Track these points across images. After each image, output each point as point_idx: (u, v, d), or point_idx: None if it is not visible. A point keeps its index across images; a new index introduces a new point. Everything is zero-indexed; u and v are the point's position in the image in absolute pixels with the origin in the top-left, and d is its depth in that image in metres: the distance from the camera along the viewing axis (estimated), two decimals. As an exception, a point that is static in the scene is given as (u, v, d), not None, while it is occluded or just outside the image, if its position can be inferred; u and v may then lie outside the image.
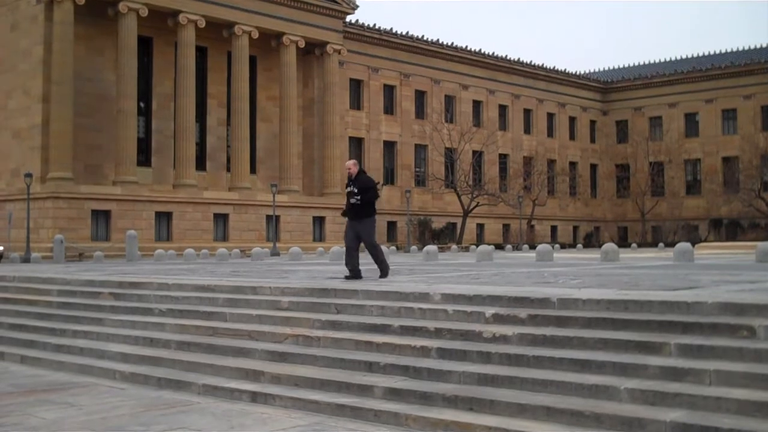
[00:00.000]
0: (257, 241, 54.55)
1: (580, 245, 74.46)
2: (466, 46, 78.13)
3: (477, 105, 79.88)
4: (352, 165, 15.23)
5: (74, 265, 32.82)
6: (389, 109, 72.29)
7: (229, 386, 10.11)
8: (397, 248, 61.69)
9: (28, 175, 45.32)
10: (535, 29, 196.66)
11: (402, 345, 10.07)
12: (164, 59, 56.61)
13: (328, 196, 61.85)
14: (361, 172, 15.24)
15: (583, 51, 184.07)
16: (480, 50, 79.56)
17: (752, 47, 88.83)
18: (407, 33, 73.02)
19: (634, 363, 8.25)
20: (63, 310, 15.69)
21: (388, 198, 70.07)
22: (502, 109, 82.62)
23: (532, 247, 56.17)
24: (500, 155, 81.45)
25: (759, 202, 76.96)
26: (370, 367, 9.75)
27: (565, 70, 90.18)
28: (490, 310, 10.32)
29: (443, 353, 9.63)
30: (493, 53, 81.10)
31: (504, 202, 75.41)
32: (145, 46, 55.21)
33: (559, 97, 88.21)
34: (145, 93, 55.60)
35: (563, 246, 71.51)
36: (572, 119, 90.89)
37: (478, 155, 76.62)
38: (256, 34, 57.77)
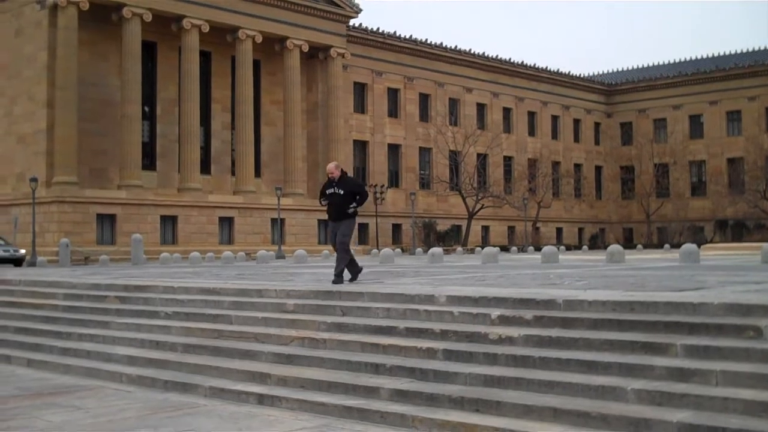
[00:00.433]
0: (262, 244, 54.58)
1: (585, 247, 74.42)
2: (470, 49, 78.18)
3: (481, 108, 79.87)
4: (334, 168, 14.85)
5: (80, 268, 32.88)
6: (393, 112, 72.33)
7: (236, 388, 10.12)
8: (403, 251, 61.67)
9: (34, 180, 45.42)
10: (538, 32, 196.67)
11: (408, 347, 10.07)
12: (168, 64, 56.69)
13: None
14: (345, 174, 14.94)
15: (586, 53, 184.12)
16: (484, 53, 79.61)
17: (756, 49, 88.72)
18: (411, 36, 73.05)
19: (641, 364, 8.24)
20: (69, 313, 15.72)
21: (393, 201, 70.13)
22: (507, 111, 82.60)
23: (538, 249, 56.12)
24: (505, 158, 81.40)
25: (764, 203, 76.85)
26: (376, 368, 9.75)
27: (569, 72, 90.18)
28: (495, 312, 10.32)
29: (449, 355, 9.63)
30: (497, 56, 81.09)
31: (509, 204, 75.38)
32: (149, 51, 55.29)
33: (563, 99, 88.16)
34: (149, 97, 55.70)
35: (568, 248, 71.40)
36: (576, 121, 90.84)
37: (482, 158, 76.63)
38: (259, 39, 57.83)
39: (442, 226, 72.87)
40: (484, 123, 79.44)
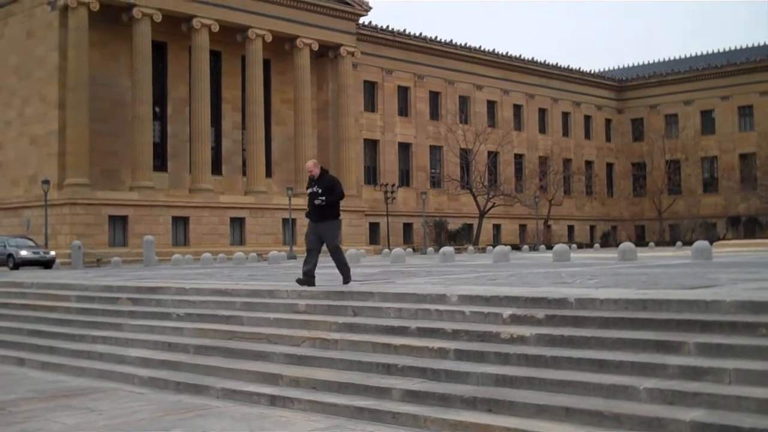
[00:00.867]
0: (274, 244, 54.67)
1: (597, 245, 74.30)
2: (480, 47, 78.12)
3: (492, 105, 79.80)
4: (312, 166, 14.27)
5: (92, 270, 33.00)
6: (404, 110, 72.32)
7: (248, 390, 10.12)
8: (414, 250, 61.70)
9: (46, 182, 45.66)
10: (549, 28, 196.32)
11: (420, 347, 10.06)
12: (179, 64, 56.84)
13: (343, 199, 61.76)
14: (324, 171, 14.36)
15: (597, 50, 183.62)
16: (494, 50, 79.56)
17: (767, 43, 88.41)
18: (421, 34, 73.05)
19: (653, 362, 8.21)
20: (82, 315, 15.75)
21: (403, 200, 70.14)
22: (517, 108, 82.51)
23: (549, 247, 56.04)
24: (516, 155, 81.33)
25: (777, 199, 76.56)
26: (388, 369, 9.74)
27: (579, 68, 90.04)
28: (507, 311, 10.30)
29: (461, 354, 9.62)
30: (508, 53, 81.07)
31: (520, 202, 75.31)
32: (159, 51, 55.44)
33: (574, 96, 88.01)
34: (160, 98, 55.85)
35: (580, 246, 71.35)
36: (587, 118, 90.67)
37: (493, 156, 76.57)
38: (269, 38, 57.90)
39: (453, 225, 72.84)
40: (495, 120, 79.37)
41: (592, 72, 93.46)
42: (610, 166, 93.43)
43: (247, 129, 58.15)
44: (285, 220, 55.82)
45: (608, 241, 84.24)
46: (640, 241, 78.57)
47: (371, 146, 69.92)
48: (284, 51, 60.85)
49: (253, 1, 57.14)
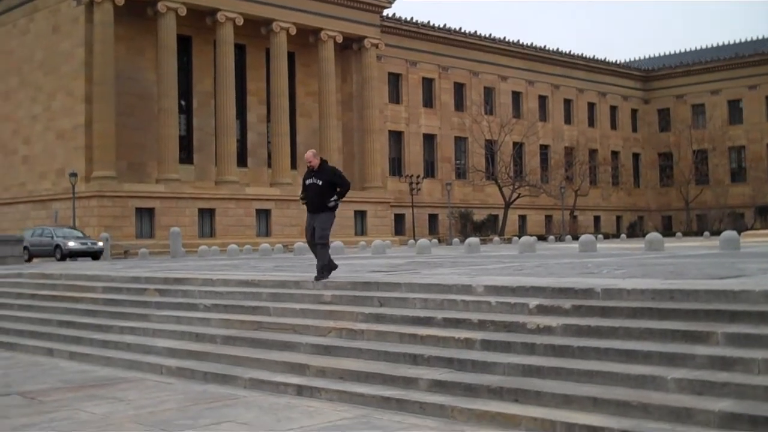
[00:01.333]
0: (299, 236, 54.56)
1: (623, 235, 73.84)
2: (505, 38, 77.81)
3: (516, 96, 79.48)
4: (312, 156, 13.62)
5: (120, 262, 33.23)
6: (428, 102, 72.19)
7: (275, 380, 10.16)
8: (439, 241, 61.62)
9: (73, 175, 45.97)
10: (573, 18, 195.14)
11: (446, 337, 10.06)
12: (203, 57, 57.05)
13: (369, 190, 61.94)
14: (324, 162, 13.75)
15: (622, 40, 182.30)
16: (518, 41, 79.22)
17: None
18: (445, 26, 72.84)
19: (681, 353, 8.16)
20: (110, 306, 15.88)
21: (429, 191, 70.09)
22: (542, 99, 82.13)
23: (575, 237, 55.82)
24: (541, 146, 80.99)
25: (806, 188, 75.79)
26: (414, 359, 9.75)
27: (605, 59, 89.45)
28: (533, 302, 10.27)
29: (487, 345, 9.61)
30: (532, 44, 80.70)
31: (546, 193, 75.02)
32: (184, 44, 55.65)
33: (599, 86, 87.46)
34: (185, 91, 56.10)
35: (606, 236, 70.97)
36: (613, 108, 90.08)
37: (518, 146, 76.31)
38: (294, 31, 57.95)
39: (479, 215, 72.68)
40: (520, 111, 79.06)
41: (618, 62, 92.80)
42: (636, 156, 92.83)
43: (272, 121, 58.27)
44: (310, 212, 55.82)
45: (635, 231, 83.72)
46: (667, 231, 78.06)
47: (396, 138, 69.88)
48: (308, 43, 60.89)
49: (276, -6, 57.24)
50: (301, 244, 40.67)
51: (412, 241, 54.99)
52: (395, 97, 70.04)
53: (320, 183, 13.42)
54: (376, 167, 63.26)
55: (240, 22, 55.34)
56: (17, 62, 57.11)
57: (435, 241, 55.73)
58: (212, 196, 53.45)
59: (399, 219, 67.52)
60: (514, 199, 71.93)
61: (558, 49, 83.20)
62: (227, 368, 11.12)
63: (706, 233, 66.09)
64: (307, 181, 13.60)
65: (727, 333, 8.28)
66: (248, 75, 59.56)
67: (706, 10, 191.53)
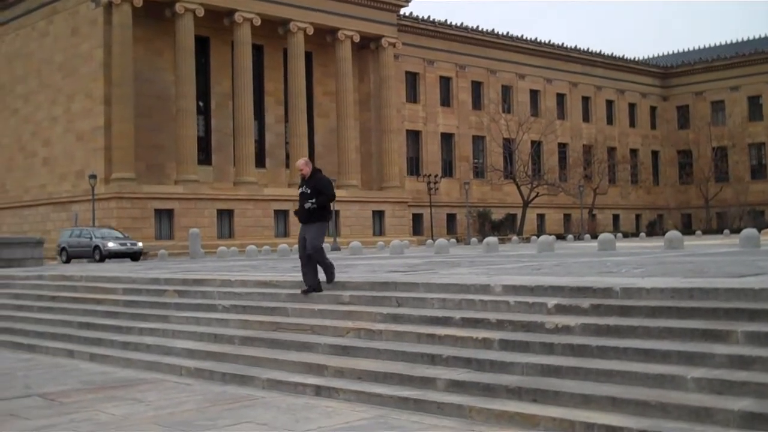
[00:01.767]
0: (317, 236, 54.78)
1: (643, 234, 73.59)
2: (522, 35, 77.64)
3: (534, 94, 79.25)
4: (303, 165, 13.40)
5: (139, 263, 33.36)
6: (446, 100, 72.09)
7: (293, 380, 10.19)
8: (457, 240, 61.57)
9: (93, 177, 46.22)
10: (591, 15, 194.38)
11: (464, 337, 10.05)
12: (221, 58, 57.21)
13: (387, 190, 61.97)
14: (316, 171, 13.43)
15: (640, 37, 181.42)
16: (536, 39, 78.98)
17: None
18: (462, 24, 72.77)
19: (701, 352, 8.12)
20: (129, 308, 15.96)
21: (446, 190, 70.00)
22: (560, 97, 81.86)
23: (594, 236, 55.62)
24: (559, 144, 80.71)
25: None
26: (432, 359, 9.74)
27: (623, 56, 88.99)
28: (552, 301, 10.24)
29: (505, 345, 9.59)
30: (550, 41, 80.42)
31: (564, 191, 74.74)
32: (202, 45, 55.83)
33: (617, 83, 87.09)
34: (203, 92, 56.27)
35: (626, 235, 70.74)
36: (632, 106, 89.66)
37: (536, 145, 76.06)
38: (311, 31, 58.04)
39: (497, 215, 72.53)
40: (538, 110, 78.82)
41: (636, 59, 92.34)
42: (655, 154, 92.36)
43: (290, 122, 58.39)
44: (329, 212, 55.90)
45: (654, 229, 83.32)
46: (687, 229, 77.67)
47: (414, 137, 69.83)
48: (326, 43, 60.97)
49: (294, -6, 57.34)
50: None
51: (430, 240, 54.95)
52: (413, 96, 70.01)
53: (309, 192, 13.15)
54: (394, 167, 63.27)
55: (257, 22, 55.48)
56: (37, 64, 57.49)
57: (453, 240, 55.70)
58: (231, 197, 53.61)
59: (417, 219, 67.50)
60: (533, 198, 71.74)
61: (576, 46, 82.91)
62: (246, 369, 11.15)
63: (726, 231, 65.75)
64: (299, 190, 13.43)
65: (747, 332, 8.22)
66: (266, 75, 59.70)
67: (726, 6, 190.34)
